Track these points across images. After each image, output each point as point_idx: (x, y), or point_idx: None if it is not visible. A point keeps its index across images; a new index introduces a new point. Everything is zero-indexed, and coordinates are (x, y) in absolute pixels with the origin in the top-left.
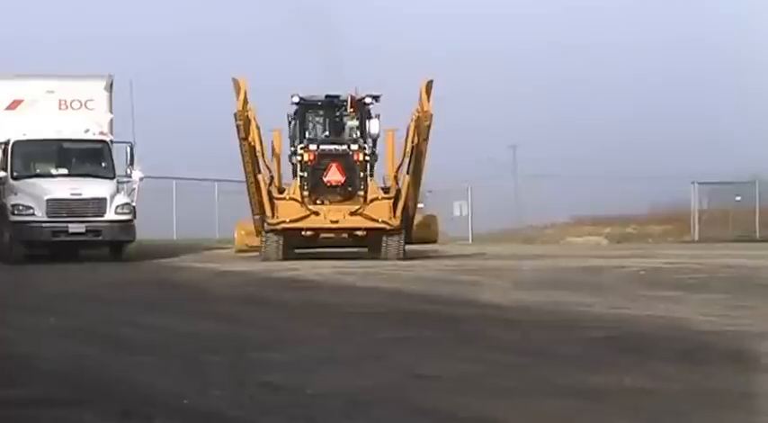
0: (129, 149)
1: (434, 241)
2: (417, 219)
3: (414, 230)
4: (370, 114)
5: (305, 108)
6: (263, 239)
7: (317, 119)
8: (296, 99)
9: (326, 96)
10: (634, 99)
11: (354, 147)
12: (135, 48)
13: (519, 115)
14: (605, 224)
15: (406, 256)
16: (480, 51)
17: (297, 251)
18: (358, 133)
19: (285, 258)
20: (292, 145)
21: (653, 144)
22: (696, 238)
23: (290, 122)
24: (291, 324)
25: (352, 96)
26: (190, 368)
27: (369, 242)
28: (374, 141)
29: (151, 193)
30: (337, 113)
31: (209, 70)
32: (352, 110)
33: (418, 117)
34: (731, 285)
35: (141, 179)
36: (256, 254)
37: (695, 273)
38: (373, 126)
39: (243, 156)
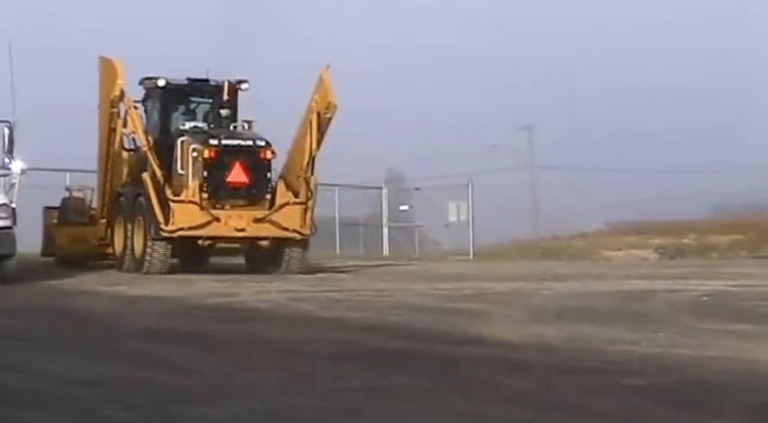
0: (6, 131)
1: None
2: None
3: None
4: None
5: (168, 94)
6: (147, 249)
7: (182, 106)
8: (161, 83)
9: (190, 80)
10: (685, 71)
11: (261, 142)
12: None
13: (531, 93)
14: (653, 233)
15: (311, 270)
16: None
17: (173, 261)
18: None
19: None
20: (147, 136)
21: (717, 129)
22: None
23: (145, 110)
24: (229, 367)
25: (229, 82)
26: None
27: (267, 252)
28: None
29: (38, 190)
30: (210, 101)
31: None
32: (228, 97)
33: (318, 109)
34: None
35: (24, 172)
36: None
37: None
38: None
39: (107, 148)
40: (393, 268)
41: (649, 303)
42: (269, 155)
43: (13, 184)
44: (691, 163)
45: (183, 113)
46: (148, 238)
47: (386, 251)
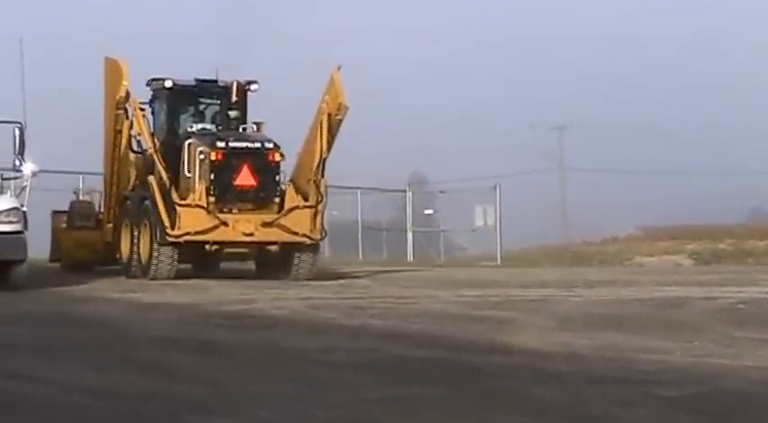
0: (17, 132)
1: None
2: None
3: None
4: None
5: (175, 95)
6: (154, 254)
7: (191, 108)
8: (168, 84)
9: (198, 81)
10: (722, 71)
11: (269, 144)
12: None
13: (563, 91)
14: (688, 238)
15: (331, 276)
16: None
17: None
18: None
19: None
20: (154, 138)
21: (754, 130)
22: None
23: (152, 112)
24: (243, 377)
25: (237, 82)
26: None
27: (276, 258)
28: None
29: (48, 193)
30: (218, 102)
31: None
32: (237, 98)
33: (329, 110)
34: None
35: (35, 174)
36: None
37: None
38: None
39: (112, 150)
40: (417, 274)
41: (684, 311)
42: (277, 157)
43: (24, 187)
44: (727, 165)
45: (191, 115)
46: (154, 242)
47: (410, 257)
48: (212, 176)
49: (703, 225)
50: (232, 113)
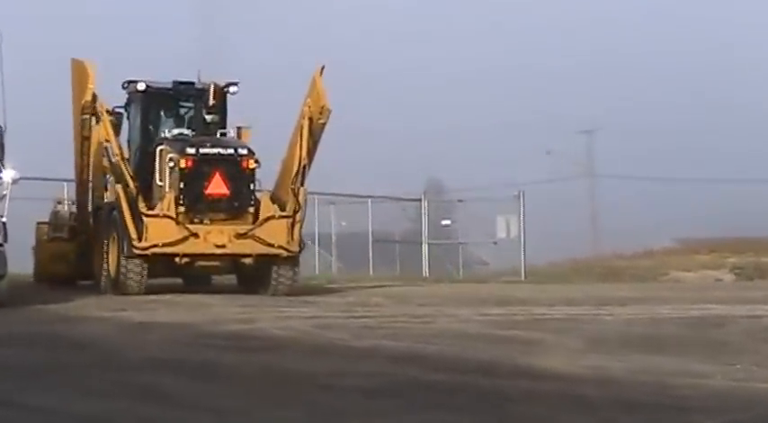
0: None
1: None
2: None
3: None
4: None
5: (150, 98)
6: (121, 268)
7: (167, 112)
8: (141, 86)
9: (176, 83)
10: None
11: (243, 150)
12: None
13: (591, 94)
14: (729, 251)
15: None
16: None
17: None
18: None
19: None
20: (119, 144)
21: None
22: None
23: (127, 117)
24: (248, 403)
25: (215, 84)
26: None
27: (256, 271)
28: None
29: (29, 203)
30: (194, 105)
31: None
32: (214, 101)
33: (311, 114)
34: None
35: (15, 181)
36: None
37: None
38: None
39: (80, 158)
40: (434, 291)
41: (725, 331)
42: (251, 164)
43: (4, 196)
44: None
45: (167, 120)
46: (122, 255)
47: (425, 272)
48: (182, 185)
49: (746, 237)
50: (209, 117)
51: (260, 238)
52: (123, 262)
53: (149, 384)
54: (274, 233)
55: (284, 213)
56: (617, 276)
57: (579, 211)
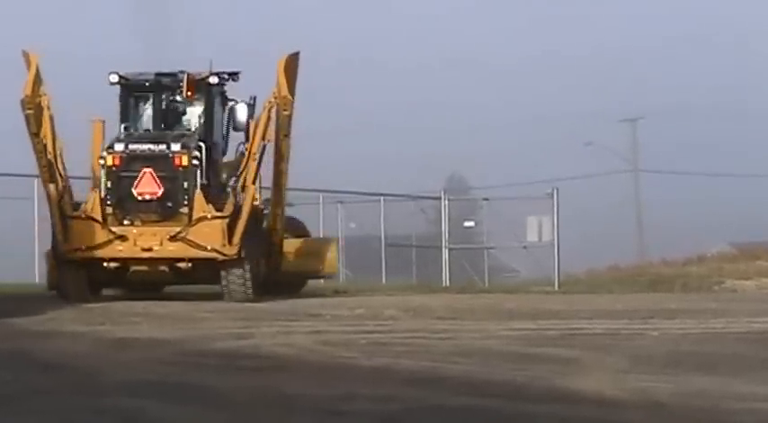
0: None
1: (321, 276)
2: (294, 244)
3: (292, 260)
4: (225, 98)
5: (128, 91)
6: (58, 273)
7: (145, 106)
8: (114, 78)
9: (157, 74)
10: None
11: (176, 146)
12: None
13: (634, 81)
14: None
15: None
16: None
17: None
18: (202, 124)
19: (87, 300)
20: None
21: None
22: None
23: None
24: None
25: (189, 75)
26: None
27: (201, 277)
28: (246, 134)
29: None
30: (171, 98)
31: None
32: (189, 93)
33: (275, 105)
34: None
35: None
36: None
37: None
38: (240, 112)
39: (37, 157)
40: (455, 302)
41: None
42: (185, 161)
43: None
44: None
45: (142, 114)
46: (55, 260)
47: (446, 280)
48: (109, 184)
49: None
50: (192, 111)
51: (191, 241)
52: (58, 267)
53: (130, 411)
54: (207, 235)
55: (219, 214)
56: (665, 286)
57: (622, 210)
